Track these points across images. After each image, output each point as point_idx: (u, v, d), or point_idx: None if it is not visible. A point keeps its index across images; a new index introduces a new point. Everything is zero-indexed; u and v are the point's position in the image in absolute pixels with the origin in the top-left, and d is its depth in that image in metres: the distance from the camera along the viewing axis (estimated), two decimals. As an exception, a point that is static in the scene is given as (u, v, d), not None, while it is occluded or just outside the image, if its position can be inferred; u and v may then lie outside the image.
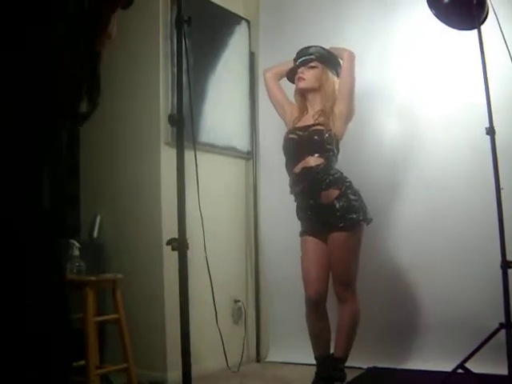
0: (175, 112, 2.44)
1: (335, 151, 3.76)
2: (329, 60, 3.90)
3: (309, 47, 3.93)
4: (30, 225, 1.72)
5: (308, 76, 3.88)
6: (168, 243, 2.30)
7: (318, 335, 3.76)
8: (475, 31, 3.55)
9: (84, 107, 1.88)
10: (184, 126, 2.38)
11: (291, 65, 4.00)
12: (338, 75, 3.92)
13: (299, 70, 3.91)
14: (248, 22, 5.09)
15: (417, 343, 4.28)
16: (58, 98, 1.78)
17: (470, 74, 4.01)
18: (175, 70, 4.19)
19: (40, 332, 1.73)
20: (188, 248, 2.30)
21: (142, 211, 4.25)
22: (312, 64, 3.88)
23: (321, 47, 3.92)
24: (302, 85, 3.90)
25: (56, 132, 1.82)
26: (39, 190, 1.77)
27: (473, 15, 3.56)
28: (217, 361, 4.05)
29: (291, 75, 3.99)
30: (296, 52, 4.01)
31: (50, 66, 1.76)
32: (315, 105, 3.88)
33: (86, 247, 3.83)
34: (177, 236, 2.36)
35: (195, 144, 2.66)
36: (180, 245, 2.27)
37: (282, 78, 4.09)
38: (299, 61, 3.93)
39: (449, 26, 3.79)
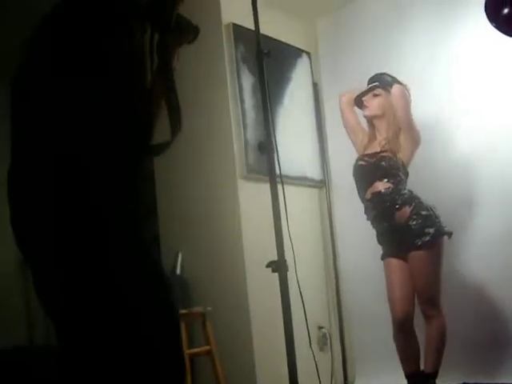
0: (261, 141, 2.52)
1: (402, 176, 3.83)
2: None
3: (378, 74, 4.01)
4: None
5: (371, 103, 3.97)
6: (268, 266, 2.38)
7: (408, 353, 3.78)
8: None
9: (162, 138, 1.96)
10: (273, 153, 2.47)
11: None
12: None
13: (363, 98, 4.00)
14: (308, 54, 5.19)
15: (507, 356, 4.23)
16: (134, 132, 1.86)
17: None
18: (245, 105, 4.34)
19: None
20: (287, 269, 2.38)
21: (223, 245, 4.33)
22: (375, 92, 3.97)
23: (387, 74, 3.99)
24: (366, 112, 4.01)
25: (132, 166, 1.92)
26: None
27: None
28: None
29: (359, 102, 4.07)
30: (361, 79, 4.09)
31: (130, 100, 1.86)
32: (382, 131, 3.94)
33: (170, 284, 3.92)
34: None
35: (281, 174, 2.72)
36: (280, 266, 2.35)
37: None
38: (366, 88, 4.01)
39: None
